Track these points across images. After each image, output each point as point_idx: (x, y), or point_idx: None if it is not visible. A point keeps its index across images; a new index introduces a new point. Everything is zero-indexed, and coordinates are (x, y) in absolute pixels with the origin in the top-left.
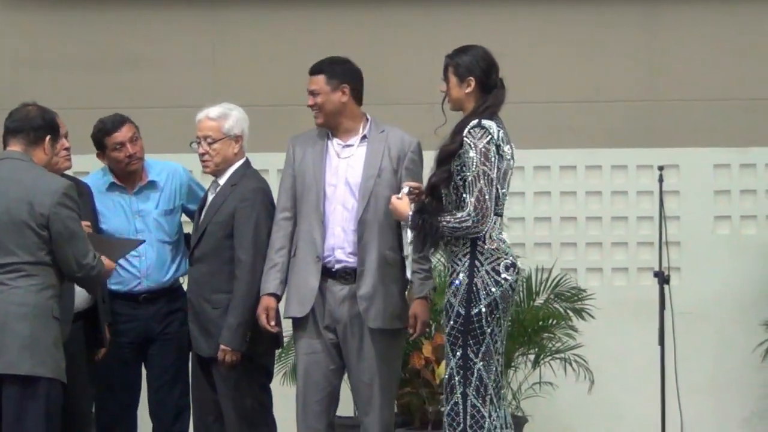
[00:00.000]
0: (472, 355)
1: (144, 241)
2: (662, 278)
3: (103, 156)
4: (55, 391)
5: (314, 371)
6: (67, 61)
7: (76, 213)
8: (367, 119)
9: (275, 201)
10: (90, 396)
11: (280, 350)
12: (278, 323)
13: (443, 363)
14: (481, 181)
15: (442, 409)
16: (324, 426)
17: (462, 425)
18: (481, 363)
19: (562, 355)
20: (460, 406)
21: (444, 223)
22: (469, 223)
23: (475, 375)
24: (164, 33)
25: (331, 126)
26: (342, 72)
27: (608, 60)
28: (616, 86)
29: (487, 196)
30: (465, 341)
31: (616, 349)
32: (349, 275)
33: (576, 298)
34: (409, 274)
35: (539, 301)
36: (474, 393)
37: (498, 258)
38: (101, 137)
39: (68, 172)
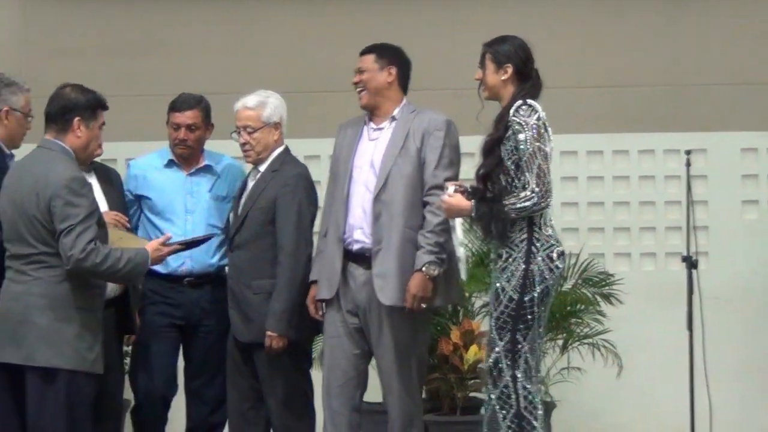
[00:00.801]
0: (520, 338)
1: (214, 235)
2: (690, 263)
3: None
4: (77, 383)
5: (338, 355)
6: (94, 49)
7: (75, 206)
8: (403, 103)
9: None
10: (120, 382)
11: None
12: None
13: (472, 348)
14: (538, 157)
15: (485, 392)
16: (348, 410)
17: (516, 407)
18: (528, 347)
19: (591, 340)
20: (511, 389)
21: (509, 206)
22: (535, 200)
23: (522, 358)
24: (191, 18)
25: (372, 106)
26: (392, 54)
27: (635, 43)
28: (644, 70)
29: (545, 171)
30: (515, 326)
31: (645, 334)
32: (368, 257)
33: (604, 283)
34: (463, 275)
35: (567, 286)
36: (523, 375)
37: (552, 245)
38: (168, 110)
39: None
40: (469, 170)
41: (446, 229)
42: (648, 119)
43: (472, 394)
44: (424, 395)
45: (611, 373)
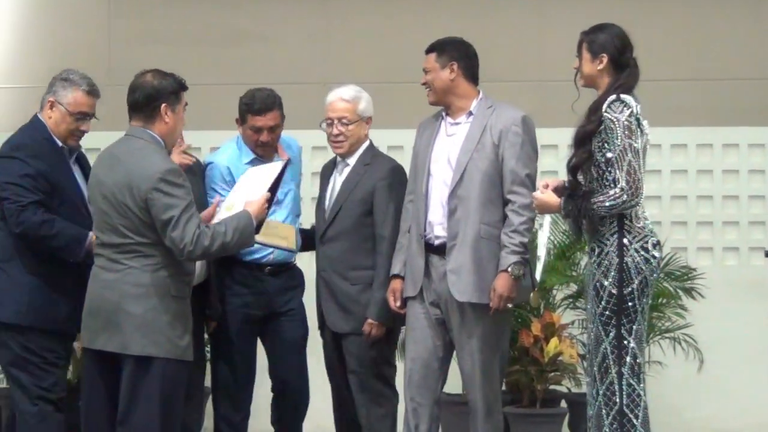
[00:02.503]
0: (625, 334)
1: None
2: None
3: (240, 126)
4: (171, 371)
5: (420, 347)
6: (180, 38)
7: (174, 197)
8: (479, 97)
9: None
10: (201, 369)
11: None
12: (404, 303)
13: (552, 341)
14: (629, 155)
15: (591, 388)
16: (430, 401)
17: (618, 404)
18: (634, 342)
19: (672, 334)
20: (616, 386)
21: (598, 203)
22: (625, 198)
23: (629, 354)
24: (278, 9)
25: (442, 104)
26: (452, 50)
27: (719, 38)
28: (728, 64)
29: (637, 169)
30: (618, 321)
31: (726, 328)
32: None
33: (686, 277)
34: (538, 276)
35: None
36: (629, 372)
37: (645, 236)
38: (245, 112)
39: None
40: (552, 163)
41: (530, 228)
42: (732, 113)
43: (551, 387)
44: (504, 387)
45: (692, 367)
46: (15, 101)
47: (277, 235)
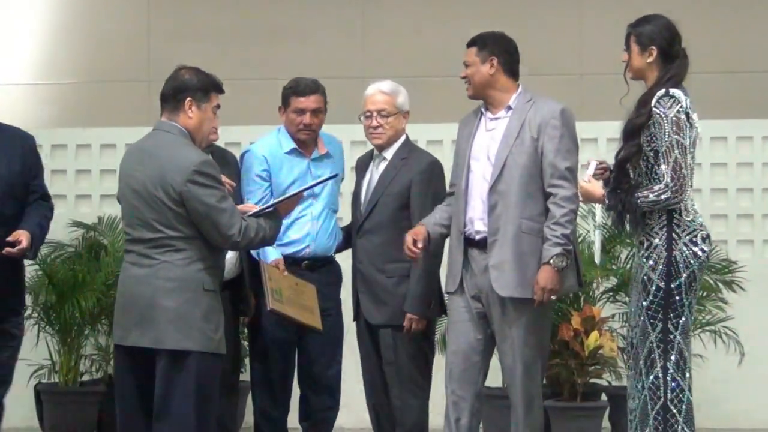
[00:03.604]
0: (671, 328)
1: (336, 175)
2: None
3: (283, 113)
4: (206, 365)
5: (461, 341)
6: (219, 34)
7: (211, 188)
8: (519, 91)
9: None
10: (236, 363)
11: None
12: (441, 296)
13: (592, 334)
14: (676, 151)
15: (635, 381)
16: (471, 395)
17: (663, 399)
18: (681, 336)
19: (712, 327)
20: (661, 380)
21: (642, 198)
22: (669, 194)
23: (675, 348)
24: (315, 4)
25: (480, 98)
26: (493, 44)
27: (757, 29)
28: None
29: (683, 165)
30: (665, 315)
31: (767, 321)
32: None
33: (726, 270)
34: (597, 259)
35: None
36: (674, 367)
37: (695, 230)
38: (289, 95)
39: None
40: (589, 157)
41: (572, 220)
42: None
43: (592, 381)
44: (544, 381)
45: (733, 360)
46: (57, 97)
47: (300, 304)
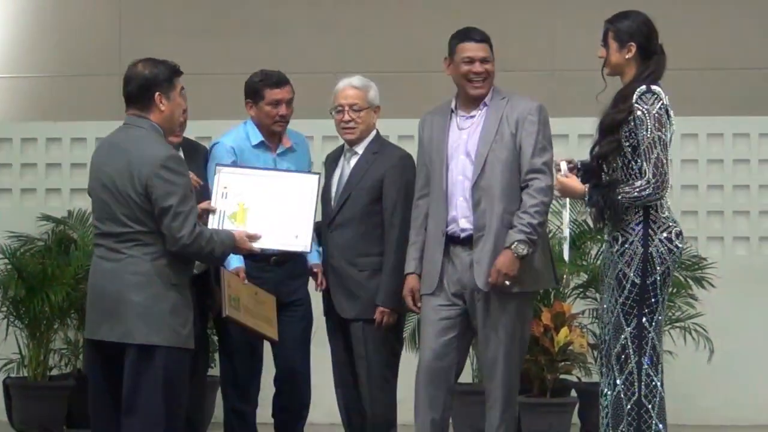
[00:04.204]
0: (646, 324)
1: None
2: None
3: (252, 106)
4: (174, 359)
5: (436, 340)
6: (190, 28)
7: (174, 185)
8: (492, 88)
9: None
10: (205, 359)
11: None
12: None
13: (562, 330)
14: (658, 148)
15: (608, 378)
16: (444, 393)
17: (637, 395)
18: (654, 332)
19: (682, 324)
20: (635, 376)
21: (623, 194)
22: (650, 191)
23: (650, 344)
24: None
25: (485, 96)
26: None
27: (730, 28)
28: (738, 54)
29: (664, 162)
30: (641, 311)
31: (736, 318)
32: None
33: (696, 266)
34: (566, 257)
35: None
36: (649, 362)
37: (669, 226)
38: (261, 87)
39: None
40: (563, 153)
41: (541, 211)
42: (743, 102)
43: (562, 377)
44: None
45: (702, 357)
46: (27, 91)
47: (257, 314)
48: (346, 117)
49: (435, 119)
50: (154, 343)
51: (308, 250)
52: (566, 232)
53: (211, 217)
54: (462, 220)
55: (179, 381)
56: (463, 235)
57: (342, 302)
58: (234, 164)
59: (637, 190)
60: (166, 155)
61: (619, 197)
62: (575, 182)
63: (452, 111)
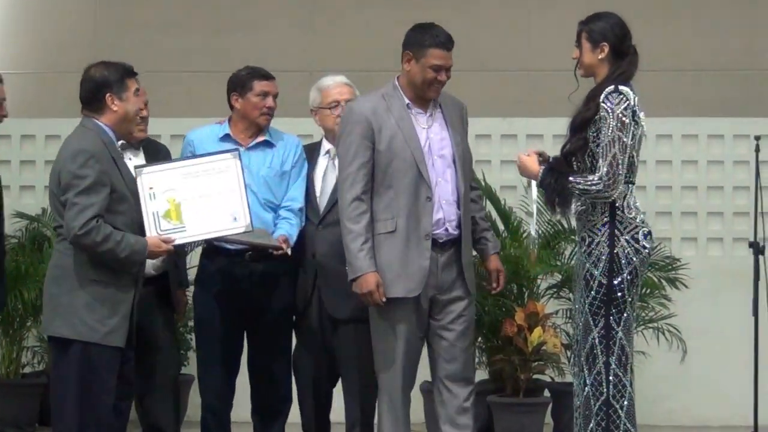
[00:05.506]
0: (614, 324)
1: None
2: (757, 249)
3: (239, 98)
4: (88, 354)
5: (407, 343)
6: (167, 25)
7: (76, 177)
8: None
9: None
10: (172, 357)
11: None
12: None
13: (536, 330)
14: (616, 147)
15: (578, 378)
16: (408, 390)
17: (605, 395)
18: (623, 332)
19: (655, 324)
20: (603, 376)
21: (574, 183)
22: (600, 187)
23: (617, 344)
24: None
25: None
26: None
27: (707, 30)
28: (715, 56)
29: (620, 162)
30: (608, 311)
31: (710, 319)
32: (453, 244)
33: (670, 267)
34: (533, 231)
35: None
36: (616, 362)
37: (636, 227)
38: (250, 79)
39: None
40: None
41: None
42: (717, 104)
43: (535, 376)
44: (487, 376)
45: (675, 357)
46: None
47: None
48: (342, 112)
49: (385, 112)
50: (63, 336)
51: (250, 229)
52: (533, 207)
53: (145, 221)
54: (448, 224)
55: (96, 377)
56: (446, 239)
57: (333, 302)
58: (191, 155)
59: (588, 183)
60: (76, 149)
61: (570, 186)
62: (532, 162)
63: (408, 108)
